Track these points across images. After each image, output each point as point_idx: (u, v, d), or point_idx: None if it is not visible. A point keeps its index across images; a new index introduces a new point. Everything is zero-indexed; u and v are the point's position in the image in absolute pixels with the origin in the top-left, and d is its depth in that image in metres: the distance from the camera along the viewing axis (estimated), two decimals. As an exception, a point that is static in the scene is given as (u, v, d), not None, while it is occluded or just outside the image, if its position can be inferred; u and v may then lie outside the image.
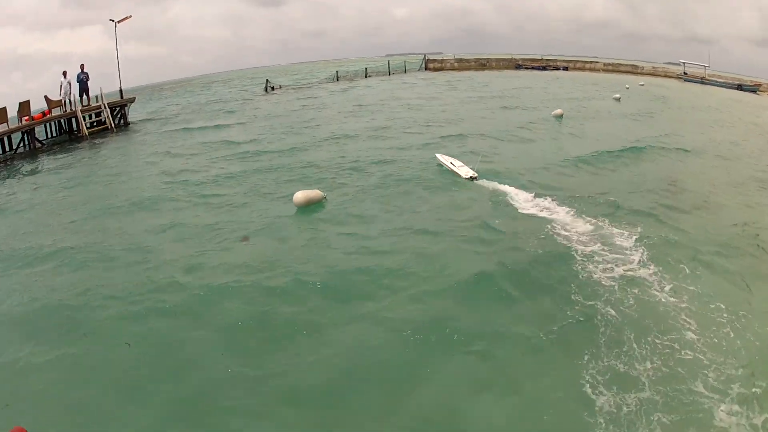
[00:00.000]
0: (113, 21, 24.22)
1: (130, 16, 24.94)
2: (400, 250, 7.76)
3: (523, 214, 9.12)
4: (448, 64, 47.88)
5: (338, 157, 14.23)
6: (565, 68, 46.52)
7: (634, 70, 49.22)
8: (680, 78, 46.05)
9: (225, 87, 58.25)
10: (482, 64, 46.89)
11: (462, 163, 12.15)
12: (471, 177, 11.30)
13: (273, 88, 41.13)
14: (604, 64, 49.05)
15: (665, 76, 48.52)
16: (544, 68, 46.36)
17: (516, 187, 10.44)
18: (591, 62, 48.22)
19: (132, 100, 25.90)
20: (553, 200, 9.52)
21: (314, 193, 9.93)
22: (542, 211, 9.12)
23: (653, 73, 48.72)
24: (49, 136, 23.40)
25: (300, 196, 9.63)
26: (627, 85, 34.73)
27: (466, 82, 36.41)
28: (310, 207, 9.71)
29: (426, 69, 48.41)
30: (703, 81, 43.70)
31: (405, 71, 48.32)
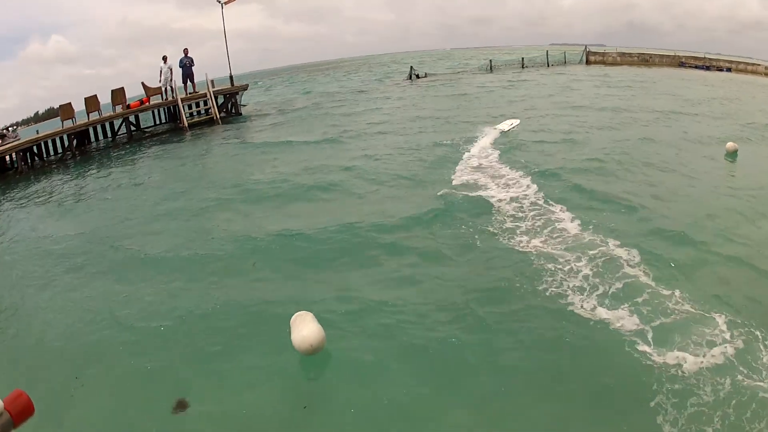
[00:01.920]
0: (220, 2, 22.54)
1: None
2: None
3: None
4: (610, 58, 51.27)
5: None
6: (729, 69, 48.66)
7: (796, 75, 50.28)
8: None
9: (371, 72, 59.95)
10: (645, 60, 49.81)
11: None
12: None
13: (418, 76, 41.07)
14: (765, 68, 50.53)
15: (831, 82, 49.33)
16: (707, 68, 48.69)
17: None
18: (753, 65, 50.00)
19: (245, 88, 24.39)
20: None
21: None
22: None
23: (816, 78, 49.59)
24: (157, 122, 23.18)
25: None
26: None
27: (638, 85, 32.41)
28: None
29: (587, 62, 51.93)
30: None
31: (565, 63, 51.94)
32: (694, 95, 26.22)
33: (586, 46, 53.32)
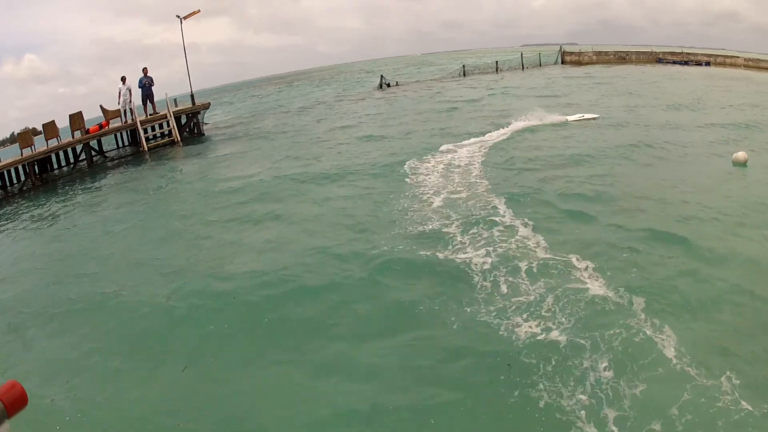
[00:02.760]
0: (179, 17, 22.24)
1: (199, 11, 22.63)
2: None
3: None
4: (586, 57, 49.58)
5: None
6: (708, 63, 47.21)
7: (775, 66, 49.12)
8: None
9: (342, 82, 60.09)
10: (622, 58, 48.19)
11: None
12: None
13: (389, 85, 39.90)
14: (745, 60, 49.26)
15: (810, 74, 48.24)
16: (686, 63, 47.19)
17: None
18: (732, 57, 48.64)
19: (206, 107, 23.53)
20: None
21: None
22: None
23: (797, 70, 48.50)
24: (120, 146, 22.28)
25: None
26: None
27: (617, 82, 31.59)
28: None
29: (562, 62, 50.15)
30: None
31: (540, 65, 50.08)
32: (704, 94, 24.39)
33: (561, 46, 51.73)
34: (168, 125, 21.60)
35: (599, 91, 27.00)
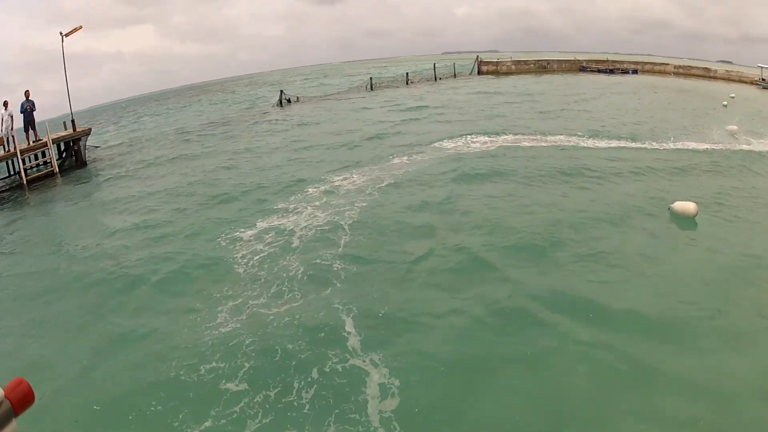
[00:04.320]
0: (61, 34, 21.69)
1: (81, 27, 22.23)
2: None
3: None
4: (504, 67, 44.10)
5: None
6: (635, 71, 42.51)
7: (706, 73, 45.03)
8: (757, 84, 41.95)
9: (248, 94, 55.21)
10: (542, 67, 42.99)
11: None
12: None
13: (289, 101, 37.90)
14: (675, 67, 45.02)
15: (740, 81, 44.42)
16: (611, 71, 42.37)
17: None
18: (661, 64, 44.18)
19: (87, 132, 22.23)
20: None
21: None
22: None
23: (728, 78, 44.63)
24: (5, 175, 19.62)
25: None
26: (732, 95, 30.81)
27: (529, 95, 30.06)
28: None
29: (479, 72, 44.64)
30: None
31: (455, 75, 44.57)
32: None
33: (477, 56, 46.15)
34: (46, 155, 19.90)
35: (509, 111, 22.76)
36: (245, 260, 8.64)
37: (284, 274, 7.96)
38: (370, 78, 44.36)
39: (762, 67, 43.50)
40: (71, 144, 21.44)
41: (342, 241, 9.11)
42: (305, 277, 7.81)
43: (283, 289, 7.50)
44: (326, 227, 9.92)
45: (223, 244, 9.52)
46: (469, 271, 7.73)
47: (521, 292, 7.02)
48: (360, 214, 10.53)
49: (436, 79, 43.53)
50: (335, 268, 8.03)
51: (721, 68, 46.19)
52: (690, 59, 46.99)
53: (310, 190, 12.82)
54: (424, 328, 6.33)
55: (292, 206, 11.51)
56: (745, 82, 43.66)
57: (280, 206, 11.55)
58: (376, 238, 9.26)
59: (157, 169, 18.58)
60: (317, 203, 11.59)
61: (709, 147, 15.65)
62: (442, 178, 13.09)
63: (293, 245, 9.12)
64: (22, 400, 1.09)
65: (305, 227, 10.02)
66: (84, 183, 18.31)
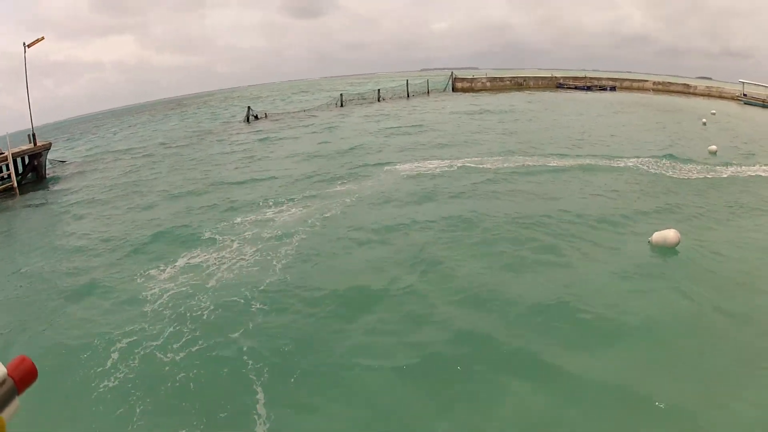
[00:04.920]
0: (24, 44, 22.07)
1: (43, 38, 22.43)
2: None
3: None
4: (479, 84, 42.51)
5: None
6: (613, 88, 41.15)
7: (685, 90, 43.95)
8: (739, 100, 40.75)
9: (222, 109, 54.18)
10: (519, 84, 41.52)
11: None
12: None
13: (257, 117, 37.53)
14: (654, 83, 43.80)
15: (720, 97, 43.27)
16: (588, 88, 40.98)
17: None
18: (640, 81, 42.93)
19: (47, 147, 22.06)
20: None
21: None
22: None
23: (708, 94, 43.49)
24: None
25: None
26: (713, 111, 29.40)
27: (505, 113, 28.25)
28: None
29: (454, 89, 43.06)
30: (764, 104, 38.33)
31: (428, 92, 43.03)
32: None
33: (452, 72, 44.56)
34: (4, 170, 19.55)
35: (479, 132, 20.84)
36: (155, 297, 7.81)
37: (191, 314, 7.08)
38: (341, 95, 43.11)
39: (743, 83, 42.42)
40: (32, 158, 21.20)
41: (266, 280, 7.93)
42: (214, 317, 6.97)
43: (185, 330, 6.66)
44: (252, 263, 8.74)
45: (139, 281, 8.58)
46: (404, 321, 6.57)
47: (461, 343, 5.94)
48: (294, 250, 9.20)
49: (408, 96, 41.97)
50: (252, 309, 7.09)
51: (701, 84, 45.13)
52: (669, 75, 45.83)
53: (244, 218, 11.44)
54: (345, 393, 5.28)
55: (220, 238, 10.26)
56: (726, 98, 42.58)
57: (206, 236, 10.37)
58: (305, 277, 8.09)
59: (109, 193, 17.51)
60: (248, 234, 10.25)
61: (688, 170, 13.76)
62: (386, 208, 11.50)
63: (209, 284, 8.03)
64: (25, 377, 1.08)
65: (228, 263, 8.86)
66: (38, 204, 17.54)
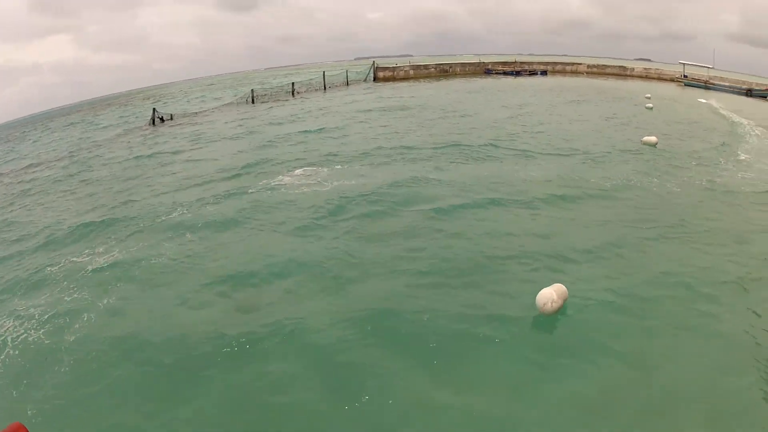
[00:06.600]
0: None
1: None
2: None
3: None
4: (402, 73, 38.96)
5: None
6: (544, 73, 38.14)
7: (622, 72, 41.34)
8: (679, 82, 38.40)
9: (135, 109, 49.84)
10: (444, 71, 38.17)
11: None
12: None
13: (162, 120, 34.42)
14: (588, 66, 41.01)
15: (659, 79, 40.80)
16: (517, 73, 37.88)
17: None
18: (573, 64, 40.06)
19: None
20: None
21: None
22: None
23: (645, 76, 41.00)
24: None
25: None
26: (648, 95, 26.62)
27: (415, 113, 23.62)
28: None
29: (375, 79, 39.45)
30: (707, 85, 36.09)
31: (347, 83, 39.34)
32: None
33: (374, 62, 41.01)
34: None
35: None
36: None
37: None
38: (252, 90, 39.07)
39: (684, 64, 40.12)
40: None
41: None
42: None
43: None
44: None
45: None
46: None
47: None
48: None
49: (325, 88, 38.18)
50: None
51: (639, 66, 42.65)
52: (608, 58, 43.17)
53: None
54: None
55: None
56: (665, 80, 40.19)
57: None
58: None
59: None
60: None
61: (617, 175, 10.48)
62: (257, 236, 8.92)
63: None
64: None
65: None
66: None
